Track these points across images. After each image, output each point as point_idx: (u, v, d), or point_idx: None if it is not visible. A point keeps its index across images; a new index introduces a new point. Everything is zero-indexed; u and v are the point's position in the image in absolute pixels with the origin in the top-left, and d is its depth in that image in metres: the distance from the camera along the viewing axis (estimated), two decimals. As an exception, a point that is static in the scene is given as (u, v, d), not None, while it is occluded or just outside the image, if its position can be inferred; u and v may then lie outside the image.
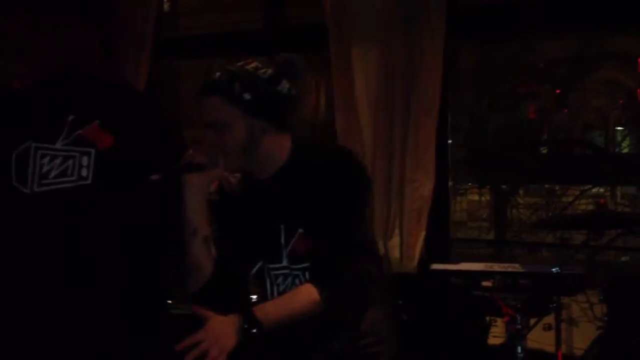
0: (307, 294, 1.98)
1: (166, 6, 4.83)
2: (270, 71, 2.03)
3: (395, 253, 3.69)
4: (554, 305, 3.14)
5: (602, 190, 7.16)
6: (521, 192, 7.74)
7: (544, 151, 7.35)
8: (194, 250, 2.03)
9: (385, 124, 3.66)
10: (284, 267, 2.10)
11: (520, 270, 3.22)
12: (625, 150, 7.73)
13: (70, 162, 2.03)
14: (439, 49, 3.53)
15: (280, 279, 2.11)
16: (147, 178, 1.97)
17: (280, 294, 2.10)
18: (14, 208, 2.06)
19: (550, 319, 3.20)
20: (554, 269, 3.12)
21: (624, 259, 6.47)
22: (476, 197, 7.94)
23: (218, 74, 2.03)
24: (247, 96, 1.99)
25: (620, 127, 7.57)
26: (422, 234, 3.66)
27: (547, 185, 7.48)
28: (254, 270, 2.13)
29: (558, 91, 6.82)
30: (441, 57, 3.54)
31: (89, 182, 2.02)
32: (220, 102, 2.00)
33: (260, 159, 2.06)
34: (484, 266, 3.30)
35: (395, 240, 3.67)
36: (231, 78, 2.01)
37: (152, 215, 2.09)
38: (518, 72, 6.90)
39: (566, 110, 6.91)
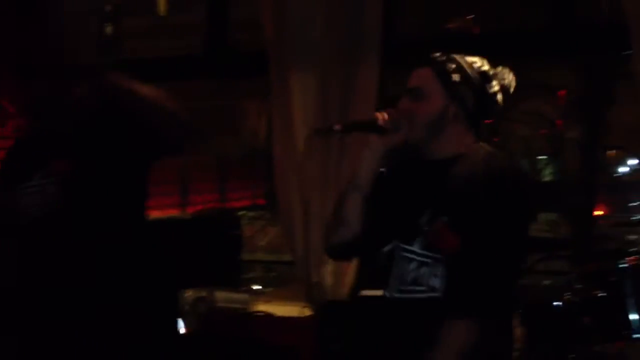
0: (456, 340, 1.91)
1: (108, 29, 4.82)
2: (486, 68, 2.09)
3: (329, 280, 3.76)
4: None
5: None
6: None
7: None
8: (349, 204, 2.07)
9: (322, 151, 3.75)
10: (413, 252, 2.03)
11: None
12: (547, 179, 8.03)
13: None
14: (374, 78, 3.66)
15: (407, 263, 2.04)
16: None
17: (402, 280, 2.04)
18: None
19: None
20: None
21: (545, 282, 6.70)
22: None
23: (438, 53, 2.11)
24: (456, 77, 2.05)
25: (543, 156, 7.87)
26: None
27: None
28: (388, 248, 2.10)
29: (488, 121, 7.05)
30: (376, 86, 3.67)
31: None
32: (429, 74, 2.07)
33: (441, 142, 2.06)
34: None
35: (329, 267, 3.75)
36: (448, 58, 2.08)
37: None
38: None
39: (496, 139, 7.15)
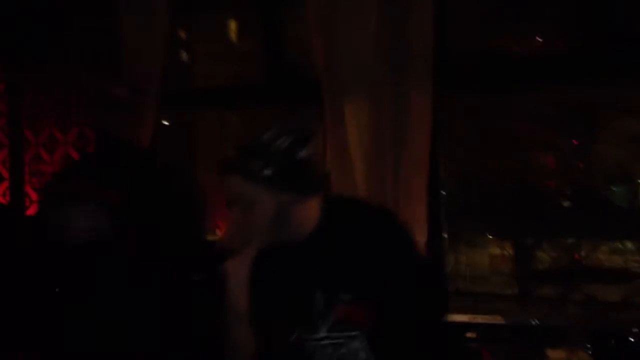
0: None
1: (184, 56, 4.86)
2: (287, 140, 1.92)
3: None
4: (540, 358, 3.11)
5: (620, 245, 7.05)
6: (545, 245, 7.62)
7: (565, 204, 7.28)
8: (241, 334, 1.97)
9: (377, 177, 3.70)
10: (322, 338, 1.97)
11: (502, 322, 3.22)
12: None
13: None
14: (427, 101, 3.58)
15: (320, 350, 1.97)
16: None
17: None
18: None
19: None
20: (533, 322, 3.11)
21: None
22: (498, 251, 7.87)
23: (234, 152, 1.95)
24: (268, 172, 1.90)
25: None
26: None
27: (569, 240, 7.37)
28: (291, 340, 2.00)
29: (575, 142, 6.76)
30: (429, 109, 3.59)
31: None
32: (242, 181, 1.92)
33: (292, 228, 1.97)
34: (468, 318, 3.29)
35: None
36: (248, 155, 1.92)
37: None
38: (522, 119, 6.83)
39: (581, 164, 6.83)
